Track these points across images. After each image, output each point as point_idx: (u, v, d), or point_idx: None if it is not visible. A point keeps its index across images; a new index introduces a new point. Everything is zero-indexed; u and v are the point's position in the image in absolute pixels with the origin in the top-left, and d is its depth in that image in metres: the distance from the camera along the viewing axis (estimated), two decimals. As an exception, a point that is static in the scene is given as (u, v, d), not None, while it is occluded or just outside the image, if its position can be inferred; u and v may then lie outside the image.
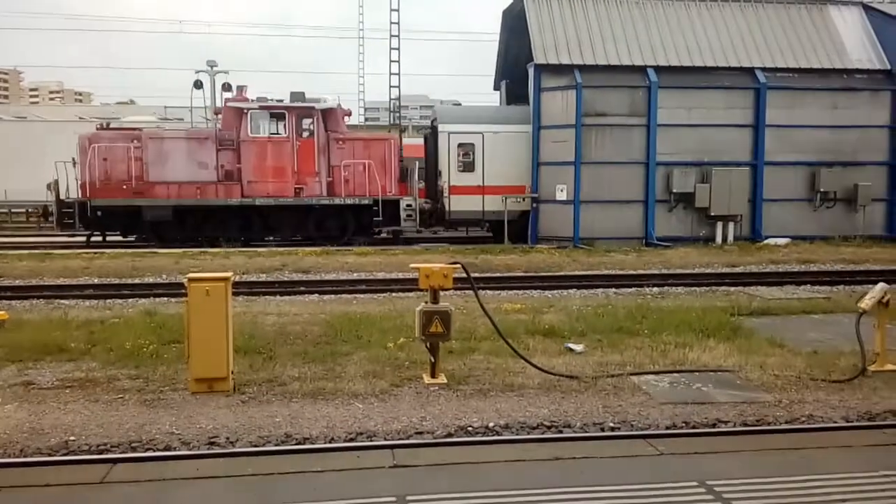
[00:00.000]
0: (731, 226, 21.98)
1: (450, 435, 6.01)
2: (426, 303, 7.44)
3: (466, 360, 8.16)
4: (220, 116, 22.43)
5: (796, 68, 22.61)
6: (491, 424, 6.24)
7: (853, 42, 23.20)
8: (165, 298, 12.96)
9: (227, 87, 23.99)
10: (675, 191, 21.88)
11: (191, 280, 7.08)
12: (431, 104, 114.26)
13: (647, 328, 9.72)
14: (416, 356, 8.10)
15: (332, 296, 13.38)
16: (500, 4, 25.59)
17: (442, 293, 7.52)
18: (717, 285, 14.79)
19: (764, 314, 11.06)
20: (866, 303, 7.86)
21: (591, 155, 22.04)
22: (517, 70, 24.41)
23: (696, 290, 14.27)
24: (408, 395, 7.00)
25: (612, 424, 6.24)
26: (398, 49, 36.71)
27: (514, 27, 24.69)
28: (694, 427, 6.16)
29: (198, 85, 23.97)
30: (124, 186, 21.10)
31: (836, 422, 6.35)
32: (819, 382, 7.45)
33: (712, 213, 21.77)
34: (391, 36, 36.94)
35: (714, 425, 6.22)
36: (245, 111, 21.26)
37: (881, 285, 8.02)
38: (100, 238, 22.05)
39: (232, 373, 7.15)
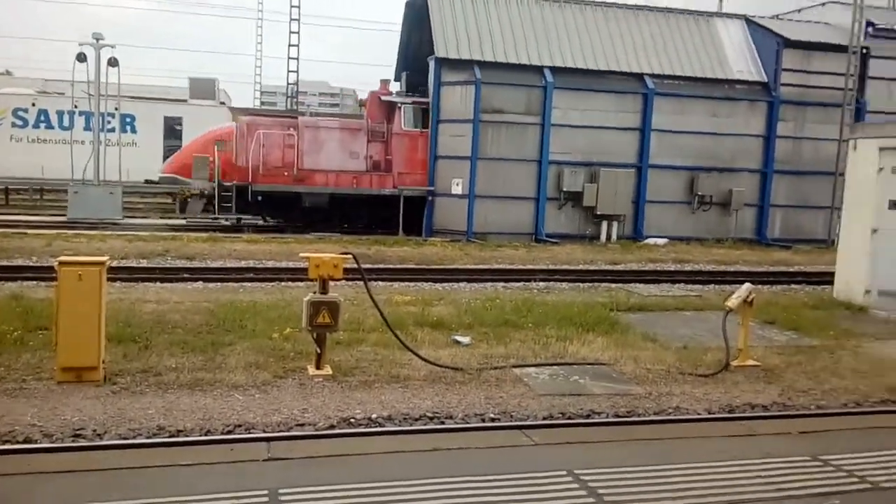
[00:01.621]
0: (615, 225, 22.92)
1: (332, 427, 5.98)
2: (314, 293, 7.36)
3: (354, 352, 8.13)
4: (364, 108, 23.94)
5: (682, 76, 23.79)
6: (374, 416, 6.25)
7: (735, 54, 24.63)
8: (35, 282, 12.17)
9: (113, 62, 22.73)
10: (565, 189, 22.59)
11: (62, 264, 6.69)
12: (333, 91, 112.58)
13: (531, 322, 10.00)
14: (302, 347, 7.99)
15: (218, 284, 12.99)
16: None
17: (333, 283, 7.46)
18: (600, 281, 15.38)
19: (641, 310, 11.55)
20: (733, 302, 8.38)
21: (487, 151, 22.41)
22: (418, 62, 24.44)
23: (580, 285, 14.80)
24: (291, 387, 6.91)
25: (492, 415, 6.39)
26: (298, 33, 36.08)
27: (417, 19, 24.69)
28: (570, 418, 6.40)
29: (81, 58, 22.57)
30: (286, 173, 21.92)
31: (699, 413, 6.74)
32: (686, 376, 7.88)
33: (598, 212, 22.63)
34: (291, 20, 36.25)
35: (588, 416, 6.48)
36: (399, 105, 22.63)
37: (747, 285, 8.57)
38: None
39: (103, 362, 6.82)
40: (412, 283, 14.22)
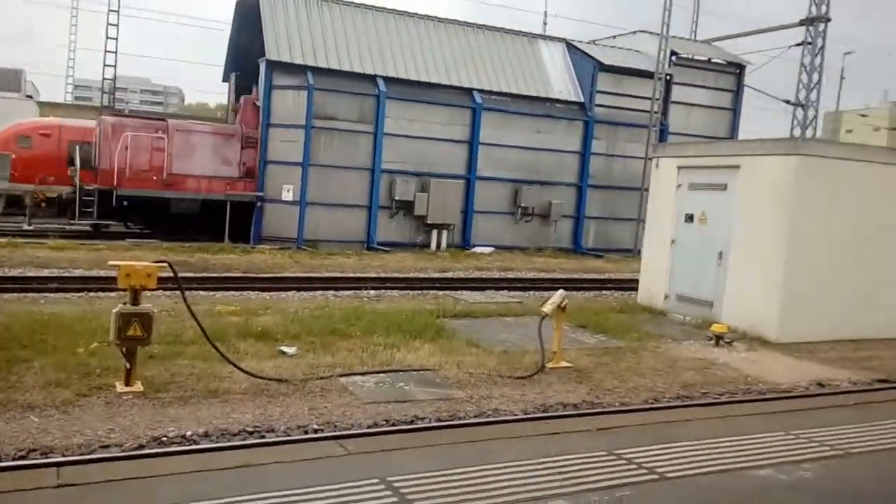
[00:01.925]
0: (444, 233, 23.54)
1: (141, 447, 5.63)
2: (125, 304, 6.90)
3: (169, 366, 7.69)
4: (237, 113, 22.68)
5: (508, 93, 24.92)
6: (188, 433, 5.95)
7: (556, 74, 26.18)
8: None
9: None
10: (397, 198, 22.87)
11: None
12: (156, 88, 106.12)
13: (360, 330, 9.98)
14: (110, 362, 7.43)
15: (16, 294, 11.82)
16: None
17: (148, 293, 7.03)
18: (429, 289, 15.70)
19: (466, 316, 11.86)
20: (548, 307, 8.87)
21: (319, 157, 22.18)
22: (249, 63, 23.75)
23: (410, 293, 15.02)
24: (96, 406, 6.41)
25: (315, 426, 6.30)
26: (117, 25, 33.72)
27: (248, 19, 24.00)
28: (393, 424, 6.46)
29: None
30: (154, 178, 20.47)
31: (516, 414, 7.04)
32: (506, 379, 8.21)
33: (429, 221, 23.12)
34: (109, 10, 33.84)
35: (412, 422, 6.58)
36: None
37: (560, 292, 9.10)
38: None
39: None
40: (238, 293, 13.73)
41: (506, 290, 16.37)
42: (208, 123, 23.91)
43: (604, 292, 17.03)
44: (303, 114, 21.81)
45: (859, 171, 11.61)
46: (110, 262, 7.43)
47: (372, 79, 22.89)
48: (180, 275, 7.67)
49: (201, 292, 13.17)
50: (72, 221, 21.15)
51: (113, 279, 7.41)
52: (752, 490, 5.15)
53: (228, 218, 21.46)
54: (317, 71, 22.16)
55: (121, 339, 6.77)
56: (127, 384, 6.85)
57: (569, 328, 10.88)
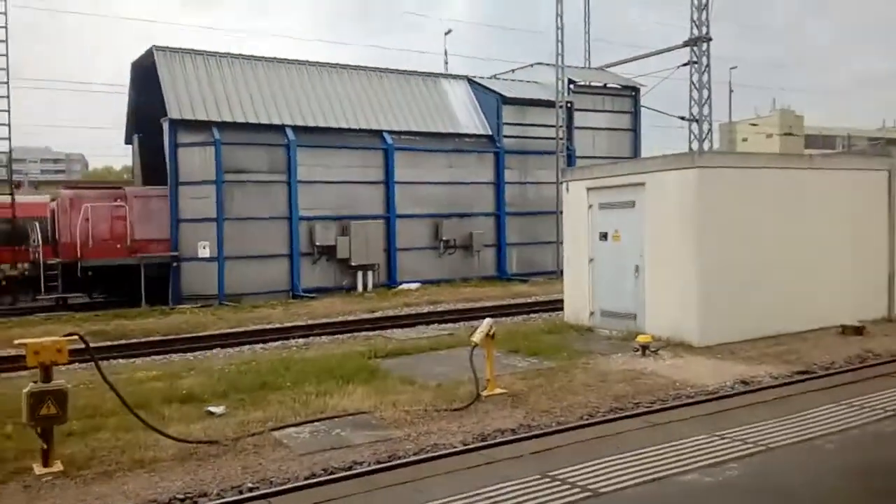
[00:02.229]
0: (370, 274, 23.47)
1: (65, 529, 5.32)
2: (35, 382, 6.56)
3: (90, 441, 7.32)
4: None
5: (417, 132, 25.27)
6: (116, 508, 5.68)
7: (462, 110, 26.74)
8: None
9: None
10: (318, 244, 22.70)
11: None
12: (57, 157, 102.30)
13: (290, 381, 9.77)
14: (27, 445, 7.01)
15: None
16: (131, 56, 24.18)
17: (62, 368, 6.70)
18: (359, 331, 15.58)
19: (398, 355, 11.80)
20: (477, 337, 8.91)
21: (233, 211, 21.85)
22: (151, 124, 23.27)
23: (340, 337, 14.85)
24: (14, 493, 6.03)
25: (250, 485, 6.11)
26: (7, 97, 32.40)
27: (145, 81, 23.59)
28: (332, 473, 6.33)
29: None
30: (118, 246, 20.36)
31: (455, 447, 7.00)
32: (443, 412, 8.17)
33: (353, 263, 23.02)
34: (-2, 81, 32.51)
35: (350, 468, 6.45)
36: None
37: (487, 320, 9.17)
38: None
39: None
40: (160, 357, 13.28)
41: (436, 324, 16.40)
42: (161, 188, 23.27)
43: (532, 315, 17.27)
44: (212, 169, 21.48)
45: (755, 177, 12.27)
46: (17, 341, 7.08)
47: (281, 129, 22.81)
48: (97, 345, 7.38)
49: (121, 360, 12.67)
50: (37, 297, 21.12)
51: (21, 357, 7.05)
52: (679, 495, 5.25)
53: (144, 282, 20.79)
54: (223, 126, 21.92)
55: (35, 420, 6.43)
56: (45, 465, 6.48)
57: (501, 354, 10.96)
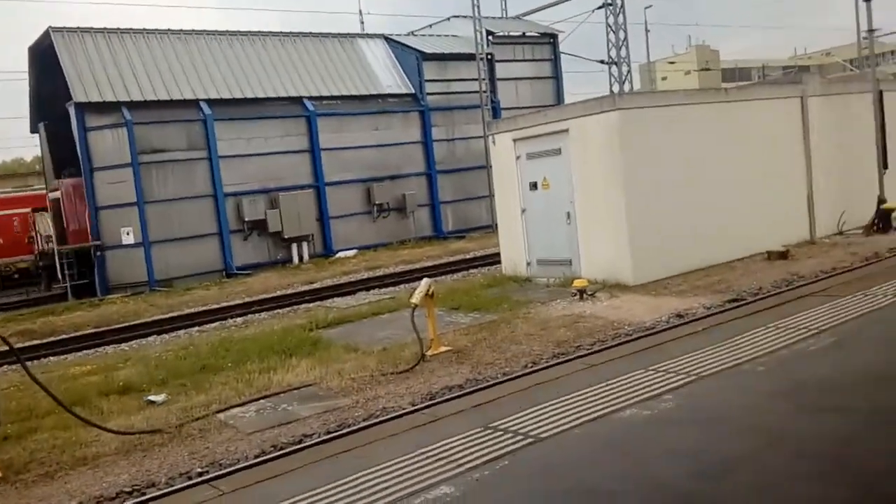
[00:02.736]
0: (304, 245, 23.14)
1: (8, 537, 5.14)
2: (-42, 390, 6.25)
3: (27, 444, 7.06)
4: None
5: (339, 96, 24.77)
6: (60, 509, 5.51)
7: (382, 70, 26.31)
8: None
9: None
10: (247, 219, 22.21)
11: None
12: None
13: (231, 361, 9.62)
14: (-42, 456, 6.73)
15: None
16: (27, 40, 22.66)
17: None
18: (298, 304, 15.40)
19: (340, 323, 11.71)
20: (416, 298, 8.91)
21: (154, 193, 21.12)
22: (57, 110, 22.12)
23: (279, 311, 14.65)
24: (-52, 506, 5.79)
25: (199, 470, 6.01)
26: None
27: (45, 64, 22.32)
28: (282, 448, 6.27)
29: None
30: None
31: (404, 408, 7.01)
32: (389, 376, 8.17)
33: (286, 236, 22.65)
34: None
35: (300, 441, 6.41)
36: None
37: (425, 280, 9.17)
38: None
39: None
40: (93, 350, 12.87)
41: (377, 289, 16.35)
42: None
43: (471, 271, 17.38)
44: (126, 151, 20.64)
45: (674, 115, 12.50)
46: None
47: (195, 103, 22.01)
48: (24, 345, 7.08)
49: (52, 358, 12.23)
50: (53, 286, 21.42)
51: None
52: (619, 431, 5.39)
53: (68, 273, 20.04)
54: (133, 105, 21.02)
55: (-38, 429, 6.14)
56: (-20, 474, 6.22)
57: (443, 312, 11.02)
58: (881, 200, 14.43)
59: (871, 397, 5.42)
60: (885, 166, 14.87)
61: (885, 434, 4.73)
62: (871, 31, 15.69)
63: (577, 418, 5.73)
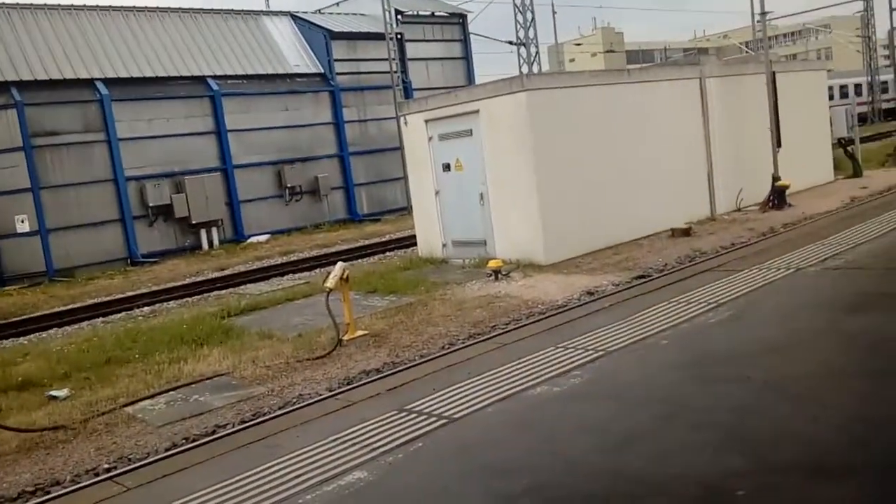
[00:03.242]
0: (214, 231, 22.48)
1: None
2: None
3: (-85, 448, 6.64)
4: None
5: (244, 75, 24.07)
6: (-44, 516, 5.22)
7: (289, 49, 25.70)
8: None
9: None
10: (151, 204, 21.38)
11: None
12: None
13: (138, 352, 9.29)
14: None
15: None
16: None
17: None
18: (209, 291, 14.98)
19: (254, 310, 11.48)
20: (331, 282, 8.83)
21: (50, 178, 20.03)
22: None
23: (189, 300, 14.23)
24: None
25: (106, 466, 5.81)
26: None
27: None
28: (194, 440, 6.13)
29: None
30: None
31: (321, 395, 6.96)
32: (305, 362, 8.09)
33: (194, 221, 21.92)
34: None
35: (213, 432, 6.28)
36: None
37: (339, 264, 9.09)
38: None
39: None
40: (-13, 347, 12.14)
41: (291, 274, 16.10)
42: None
43: (387, 254, 17.34)
44: (18, 134, 19.42)
45: (580, 95, 12.79)
46: None
47: (90, 83, 20.92)
48: None
49: (-61, 357, 11.46)
50: None
51: None
52: (529, 409, 5.55)
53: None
54: (23, 85, 19.79)
55: None
56: None
57: (360, 296, 10.98)
58: (775, 178, 15.22)
59: (764, 368, 5.77)
60: (779, 145, 15.68)
61: (777, 404, 5.05)
62: (763, 13, 16.44)
63: (490, 397, 5.85)
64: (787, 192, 15.19)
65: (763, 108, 15.65)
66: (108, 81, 21.12)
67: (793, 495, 3.80)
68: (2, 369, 9.24)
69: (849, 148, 19.56)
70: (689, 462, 4.33)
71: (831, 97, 27.03)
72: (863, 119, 36.19)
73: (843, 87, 41.21)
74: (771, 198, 15.16)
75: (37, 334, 12.75)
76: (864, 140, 23.62)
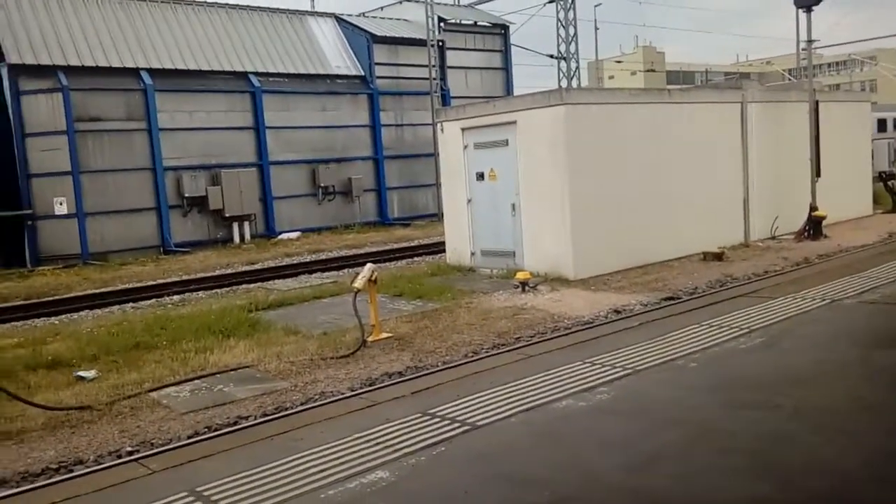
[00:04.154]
0: (246, 225, 22.73)
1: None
2: None
3: (-54, 419, 6.78)
4: None
5: (286, 73, 24.35)
6: (-19, 486, 5.31)
7: (331, 50, 25.96)
8: None
9: None
10: (187, 195, 21.68)
11: None
12: None
13: (166, 339, 9.41)
14: None
15: None
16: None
17: None
18: (238, 284, 15.14)
19: (281, 305, 11.57)
20: (359, 283, 8.86)
21: (90, 163, 20.41)
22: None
23: (218, 291, 14.38)
24: None
25: (129, 449, 5.88)
26: None
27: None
28: (216, 430, 6.18)
29: None
30: None
31: (343, 393, 6.99)
32: (329, 360, 8.13)
33: (227, 215, 22.19)
34: None
35: (235, 423, 6.32)
36: None
37: (368, 266, 9.13)
38: None
39: None
40: (21, 323, 12.44)
41: (319, 272, 16.20)
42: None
43: (415, 259, 17.37)
44: (62, 118, 19.85)
45: (620, 113, 12.74)
46: None
47: (135, 72, 21.32)
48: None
49: (-26, 331, 11.72)
50: None
51: None
52: (554, 421, 5.50)
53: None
54: (70, 70, 20.22)
55: None
56: None
57: (386, 299, 11.01)
58: (812, 208, 15.01)
59: (794, 396, 5.67)
60: (818, 175, 15.46)
61: (806, 432, 4.96)
62: (809, 42, 16.24)
63: (514, 407, 5.82)
64: (824, 223, 14.95)
65: (804, 136, 15.45)
66: (152, 72, 21.50)
67: (819, 528, 3.72)
68: (33, 347, 9.41)
69: (889, 182, 19.21)
70: (714, 485, 4.26)
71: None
72: (905, 154, 35.55)
73: (881, 122, 40.43)
74: (807, 227, 14.94)
75: (68, 315, 12.96)
76: (905, 175, 23.14)
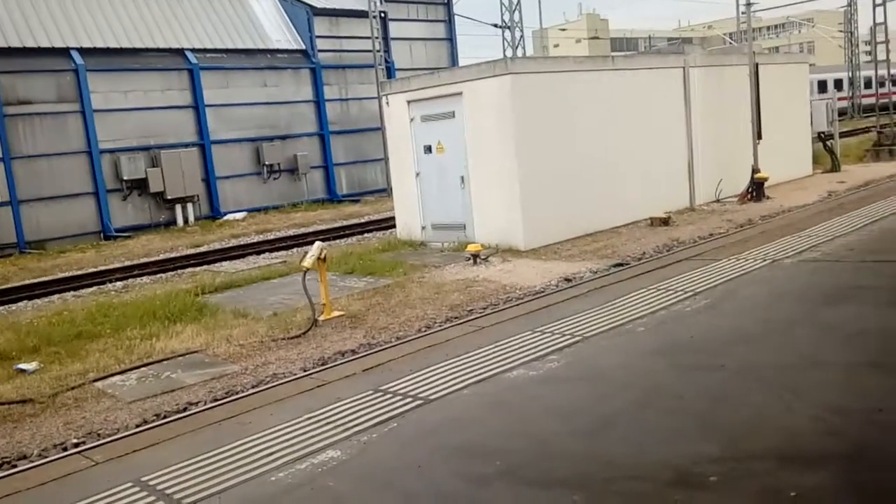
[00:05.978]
0: (189, 207, 22.19)
1: None
2: None
3: None
4: None
5: (224, 49, 23.68)
6: (-84, 490, 5.09)
7: (270, 24, 25.31)
8: None
9: None
10: (126, 178, 21.04)
11: None
12: None
13: (110, 327, 9.16)
14: None
15: None
16: None
17: None
18: (183, 268, 14.80)
19: (229, 288, 11.37)
20: (308, 261, 8.74)
21: (22, 148, 19.62)
22: None
23: (162, 276, 14.05)
24: None
25: (75, 440, 5.71)
26: None
27: None
28: (165, 417, 6.05)
29: None
30: None
31: (295, 374, 6.89)
32: (280, 342, 8.02)
33: (169, 197, 21.61)
34: None
35: (185, 409, 6.20)
36: None
37: (317, 244, 9.01)
38: None
39: None
40: (-46, 318, 11.89)
41: (267, 253, 15.94)
42: None
43: (366, 235, 17.23)
44: (-10, 102, 19.00)
45: (564, 81, 12.74)
46: None
47: (65, 52, 20.46)
48: None
49: None
50: None
51: None
52: (506, 391, 5.51)
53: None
54: (-2, 51, 19.31)
55: None
56: None
57: (337, 277, 10.90)
58: (755, 170, 15.32)
59: (738, 356, 5.80)
60: (760, 137, 15.77)
61: (751, 392, 5.07)
62: (748, 4, 16.45)
63: (466, 379, 5.83)
64: (766, 184, 15.30)
65: (745, 99, 15.71)
66: (83, 51, 20.67)
67: (764, 481, 3.81)
68: (-31, 341, 9.05)
69: (828, 142, 19.73)
70: (663, 447, 4.34)
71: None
72: (842, 114, 36.62)
73: (821, 83, 41.53)
74: (750, 190, 15.27)
75: (6, 307, 12.52)
76: (843, 135, 23.87)
